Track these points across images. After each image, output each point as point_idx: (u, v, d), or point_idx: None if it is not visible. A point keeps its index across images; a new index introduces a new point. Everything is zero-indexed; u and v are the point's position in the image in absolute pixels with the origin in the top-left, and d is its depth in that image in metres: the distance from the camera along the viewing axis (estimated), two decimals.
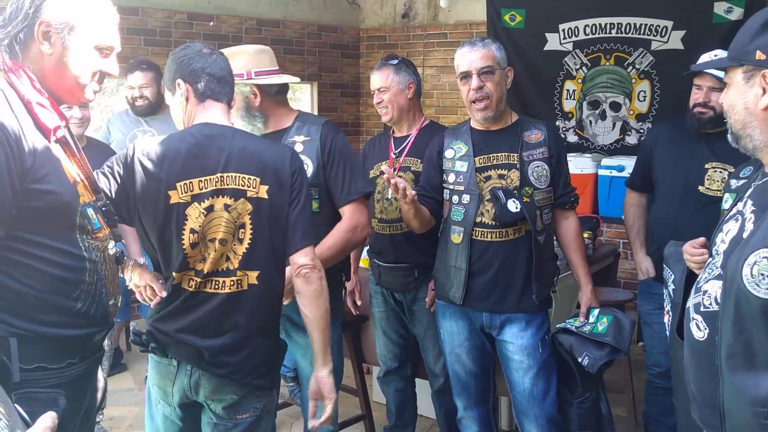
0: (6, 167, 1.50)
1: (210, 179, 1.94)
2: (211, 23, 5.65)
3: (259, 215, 1.97)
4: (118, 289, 1.84)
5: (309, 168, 2.51)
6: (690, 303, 1.71)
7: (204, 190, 1.93)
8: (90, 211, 1.71)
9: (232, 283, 1.96)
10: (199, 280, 1.96)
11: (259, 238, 1.97)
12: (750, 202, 1.59)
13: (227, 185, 1.94)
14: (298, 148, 2.55)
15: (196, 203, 1.93)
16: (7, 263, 1.57)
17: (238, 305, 1.97)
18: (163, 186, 1.93)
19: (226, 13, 5.75)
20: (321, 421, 2.09)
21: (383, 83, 3.03)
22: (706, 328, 1.63)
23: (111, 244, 1.79)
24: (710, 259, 1.71)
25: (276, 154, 2.04)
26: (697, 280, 1.73)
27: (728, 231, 1.63)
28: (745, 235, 1.54)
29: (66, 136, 1.72)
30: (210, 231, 1.94)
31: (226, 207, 1.94)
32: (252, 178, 1.96)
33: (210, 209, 1.94)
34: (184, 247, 1.94)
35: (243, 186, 1.95)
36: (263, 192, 1.97)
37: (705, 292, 1.65)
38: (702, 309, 1.64)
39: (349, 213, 2.52)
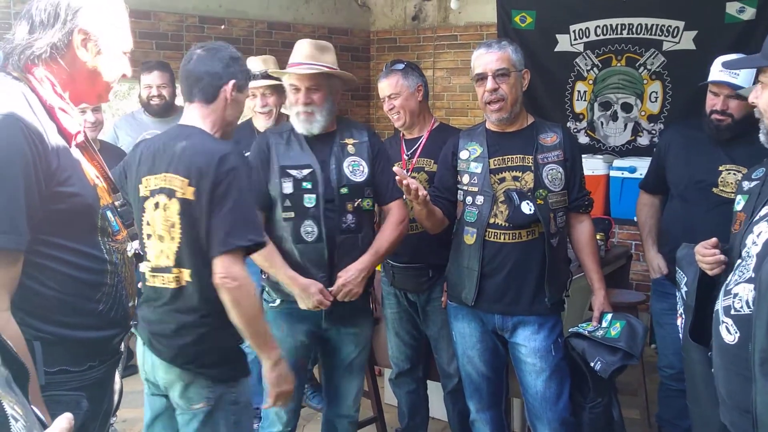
0: (33, 169, 1.52)
1: (158, 177, 2.07)
2: (222, 26, 5.67)
3: (186, 216, 2.03)
4: (136, 290, 1.88)
5: (364, 169, 2.66)
6: (719, 305, 1.69)
7: (155, 188, 2.07)
8: (109, 214, 1.74)
9: (171, 279, 2.07)
10: (151, 273, 2.10)
11: (186, 238, 2.04)
12: None
13: (166, 185, 2.05)
14: (351, 149, 2.68)
15: (150, 198, 2.08)
16: (30, 266, 1.58)
17: (179, 300, 2.08)
18: (135, 181, 2.12)
19: (237, 16, 5.77)
20: (265, 405, 2.25)
21: (393, 89, 3.05)
22: (737, 332, 1.61)
23: (129, 245, 1.82)
24: (738, 260, 1.68)
25: (206, 156, 2.05)
26: (726, 282, 1.70)
27: (760, 233, 1.60)
28: None
29: (85, 140, 1.75)
30: (155, 227, 2.08)
31: (164, 206, 2.06)
32: (182, 179, 2.03)
33: (156, 206, 2.07)
34: (143, 238, 2.10)
35: (175, 186, 2.04)
36: (190, 193, 2.02)
37: (736, 295, 1.63)
38: (733, 312, 1.63)
39: (396, 208, 2.72)
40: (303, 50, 2.67)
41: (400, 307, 3.19)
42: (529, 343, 2.66)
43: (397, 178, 2.43)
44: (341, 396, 2.83)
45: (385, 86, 3.08)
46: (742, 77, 2.77)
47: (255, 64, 3.66)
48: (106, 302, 1.71)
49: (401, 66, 3.09)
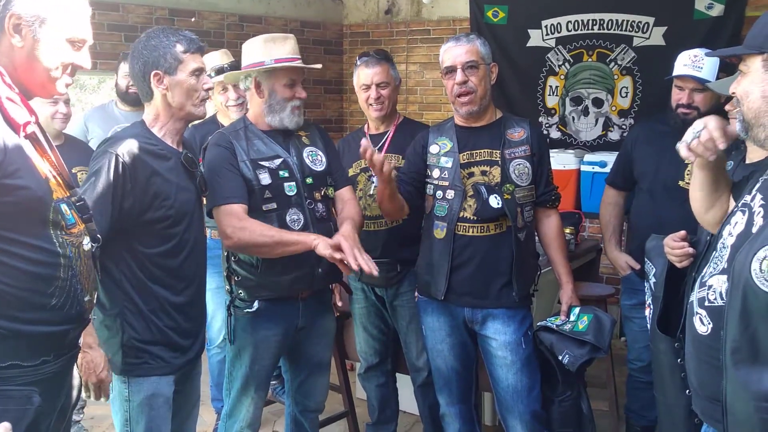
0: None
1: None
2: (193, 19, 5.60)
3: None
4: (94, 285, 1.82)
5: (322, 158, 2.68)
6: (694, 297, 1.71)
7: None
8: (64, 207, 1.69)
9: None
10: None
11: None
12: (759, 196, 1.59)
13: None
14: (305, 140, 2.68)
15: None
16: None
17: None
18: None
19: (207, 9, 5.71)
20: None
21: (384, 78, 3.00)
22: (710, 323, 1.63)
23: (86, 239, 1.76)
24: (714, 252, 1.70)
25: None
26: (702, 274, 1.72)
27: (735, 224, 1.62)
28: (754, 230, 1.53)
29: (36, 132, 1.70)
30: None
31: None
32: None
33: None
34: None
35: None
36: None
37: (710, 286, 1.64)
38: (707, 303, 1.64)
39: (349, 192, 2.75)
40: (288, 45, 2.62)
41: (368, 302, 3.18)
42: (499, 336, 2.67)
43: (362, 149, 2.37)
44: (311, 392, 2.82)
45: (375, 74, 2.99)
46: (707, 71, 2.81)
47: (216, 58, 3.61)
48: (59, 296, 1.67)
49: (387, 57, 3.06)
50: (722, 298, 1.58)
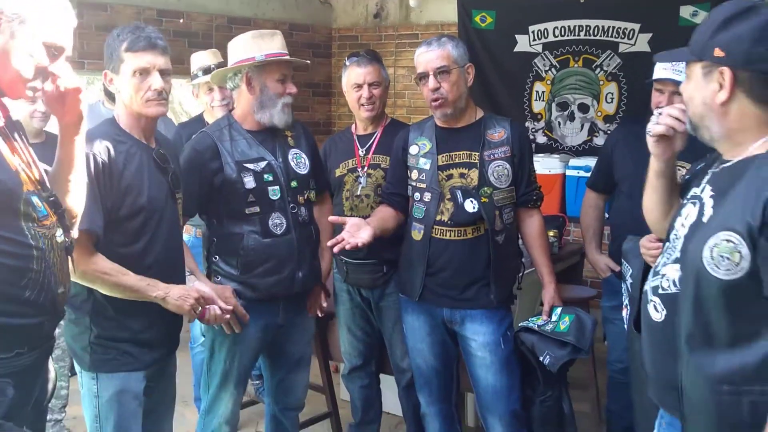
0: None
1: None
2: (181, 20, 5.61)
3: None
4: (68, 277, 1.82)
5: (306, 161, 2.71)
6: (648, 286, 1.77)
7: None
8: (35, 199, 1.69)
9: None
10: None
11: None
12: (708, 187, 1.63)
13: None
14: (291, 142, 2.70)
15: None
16: None
17: None
18: None
19: (196, 10, 5.72)
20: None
21: (377, 78, 2.99)
22: (663, 310, 1.69)
23: (59, 231, 1.76)
24: (667, 243, 1.75)
25: None
26: (656, 264, 1.78)
27: (687, 215, 1.67)
28: (704, 219, 1.58)
29: (6, 128, 1.69)
30: None
31: None
32: None
33: None
34: None
35: None
36: None
37: (663, 275, 1.70)
38: (660, 291, 1.70)
39: (328, 196, 2.93)
40: (277, 41, 2.64)
41: (353, 303, 3.17)
42: (478, 337, 2.67)
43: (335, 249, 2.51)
44: (291, 390, 2.84)
45: (367, 73, 2.96)
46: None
47: (204, 58, 3.62)
48: (32, 288, 1.67)
49: (377, 57, 3.07)
50: (675, 286, 1.65)
